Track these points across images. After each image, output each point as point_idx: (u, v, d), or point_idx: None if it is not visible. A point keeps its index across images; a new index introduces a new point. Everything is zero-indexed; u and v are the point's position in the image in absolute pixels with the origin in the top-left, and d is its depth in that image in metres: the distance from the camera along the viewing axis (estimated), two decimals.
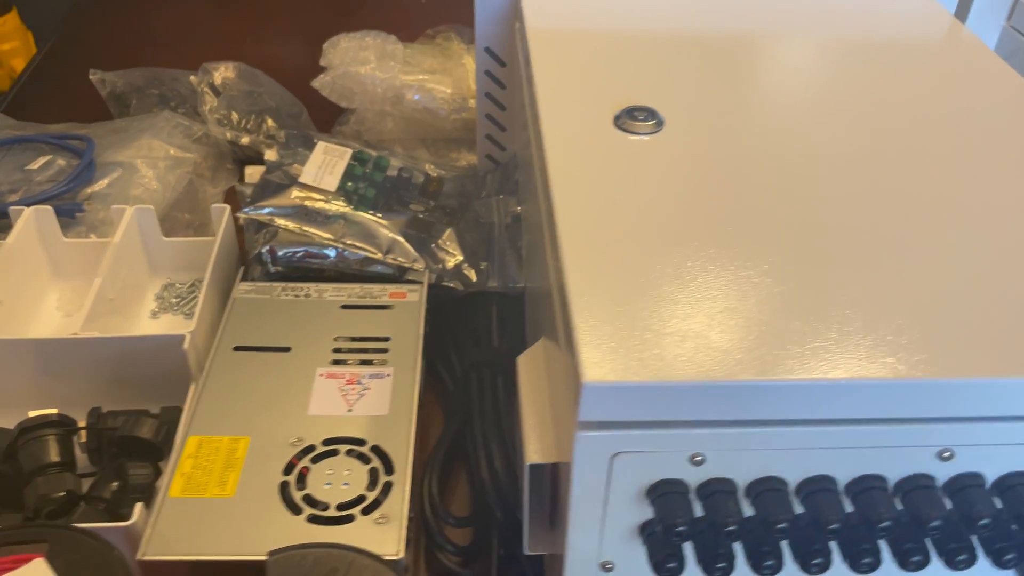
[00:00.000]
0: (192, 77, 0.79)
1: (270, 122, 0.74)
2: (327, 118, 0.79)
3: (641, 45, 0.50)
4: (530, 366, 0.40)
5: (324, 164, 0.57)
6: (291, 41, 0.97)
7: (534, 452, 0.36)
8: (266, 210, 0.53)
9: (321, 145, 0.59)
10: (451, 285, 0.55)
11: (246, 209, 0.53)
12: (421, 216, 0.57)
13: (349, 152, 0.60)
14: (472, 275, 0.56)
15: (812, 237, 0.36)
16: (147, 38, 0.98)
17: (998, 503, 0.31)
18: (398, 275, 0.55)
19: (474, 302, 0.56)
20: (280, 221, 0.53)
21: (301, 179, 0.55)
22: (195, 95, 0.77)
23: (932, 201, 0.38)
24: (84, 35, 1.00)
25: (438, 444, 0.49)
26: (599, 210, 0.36)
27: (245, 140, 0.72)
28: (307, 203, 0.54)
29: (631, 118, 0.41)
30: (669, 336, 0.30)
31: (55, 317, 0.58)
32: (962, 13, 0.67)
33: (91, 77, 0.79)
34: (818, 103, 0.45)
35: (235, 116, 0.72)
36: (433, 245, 0.56)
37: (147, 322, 0.58)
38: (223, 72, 0.79)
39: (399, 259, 0.54)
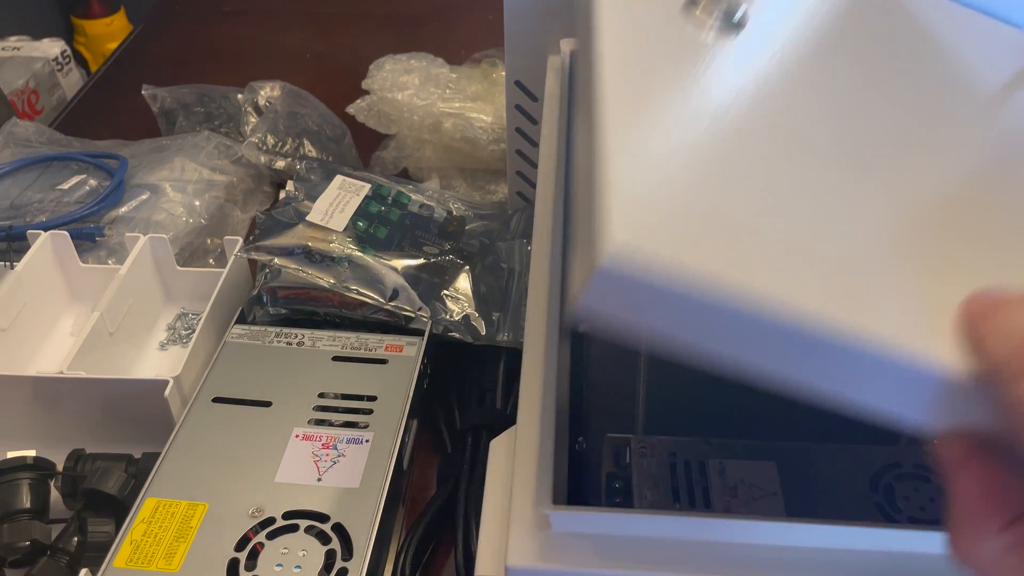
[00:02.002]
0: (239, 95, 0.78)
1: (308, 145, 0.72)
2: (372, 142, 0.76)
3: None
4: (503, 453, 0.36)
5: (337, 200, 0.55)
6: (349, 60, 0.96)
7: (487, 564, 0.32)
8: (267, 249, 0.51)
9: (338, 180, 0.56)
10: (457, 337, 0.51)
11: (246, 247, 0.51)
12: (434, 260, 0.54)
13: (367, 188, 0.56)
14: (481, 327, 0.52)
15: None
16: (212, 54, 0.99)
17: None
18: (403, 323, 0.51)
19: (484, 356, 0.52)
20: (280, 261, 0.50)
21: (309, 217, 0.53)
22: (241, 114, 0.76)
23: None
24: (148, 49, 1.01)
25: (423, 513, 0.45)
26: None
27: (280, 164, 0.70)
28: (311, 243, 0.51)
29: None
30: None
31: (67, 343, 0.57)
32: None
33: (143, 92, 0.79)
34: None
35: (271, 139, 0.70)
36: (443, 292, 0.52)
37: (154, 354, 0.56)
38: (268, 91, 0.77)
39: (403, 307, 0.51)
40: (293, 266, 0.50)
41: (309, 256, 0.51)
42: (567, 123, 0.48)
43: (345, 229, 0.53)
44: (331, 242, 0.52)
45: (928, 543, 0.27)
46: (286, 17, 1.04)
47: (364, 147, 0.76)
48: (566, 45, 0.53)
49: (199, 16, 1.06)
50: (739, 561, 0.26)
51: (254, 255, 0.51)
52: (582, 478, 0.44)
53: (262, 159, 0.69)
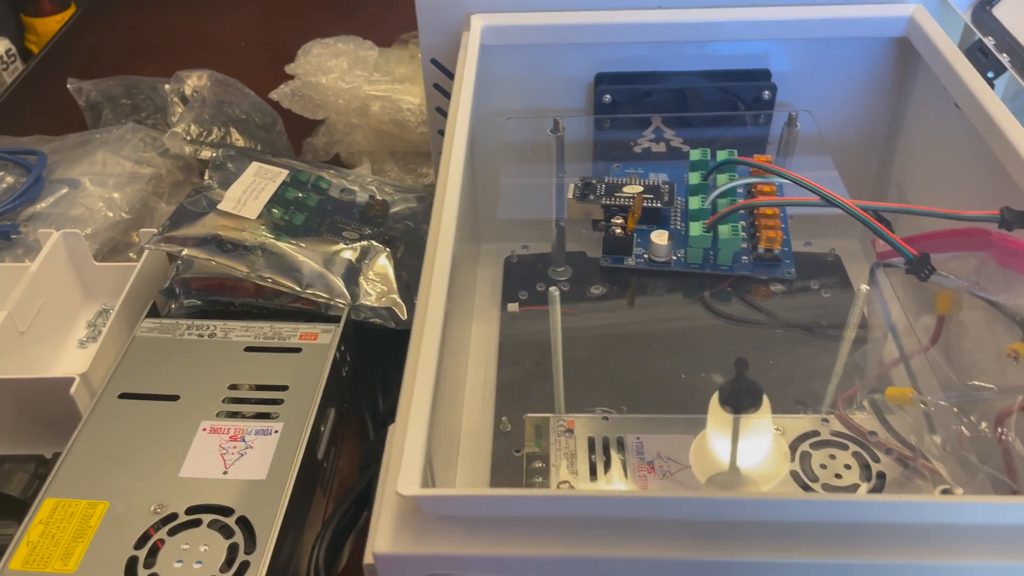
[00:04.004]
0: (166, 86, 0.76)
1: (235, 134, 0.70)
2: (304, 129, 0.75)
3: None
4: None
5: (251, 188, 0.53)
6: (284, 46, 0.94)
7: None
8: (176, 240, 0.50)
9: (253, 167, 0.55)
10: (378, 322, 0.50)
11: (154, 239, 0.50)
12: (354, 244, 0.53)
13: (284, 174, 0.55)
14: (402, 311, 0.51)
15: None
16: (146, 45, 0.96)
17: None
18: (323, 310, 0.50)
19: (408, 341, 0.51)
20: (189, 252, 0.49)
21: (220, 206, 0.51)
22: (168, 105, 0.74)
23: None
24: (80, 43, 0.98)
25: (340, 502, 0.44)
26: None
27: (206, 154, 0.68)
28: (222, 232, 0.50)
29: None
30: None
31: None
32: None
33: (68, 87, 0.77)
34: None
35: (195, 128, 0.69)
36: (363, 277, 0.51)
37: (72, 352, 0.55)
38: (195, 81, 0.76)
39: (320, 294, 0.50)
40: (203, 256, 0.49)
41: (220, 245, 0.49)
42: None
43: (259, 217, 0.52)
44: (244, 231, 0.50)
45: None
46: (221, 4, 1.02)
47: (297, 134, 0.75)
48: (476, 21, 0.52)
49: (133, 7, 1.04)
50: (607, 537, 0.26)
51: (163, 246, 0.49)
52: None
53: (186, 149, 0.68)
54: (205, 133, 0.69)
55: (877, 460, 0.42)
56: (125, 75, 0.79)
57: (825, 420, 0.43)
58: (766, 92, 0.52)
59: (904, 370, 0.45)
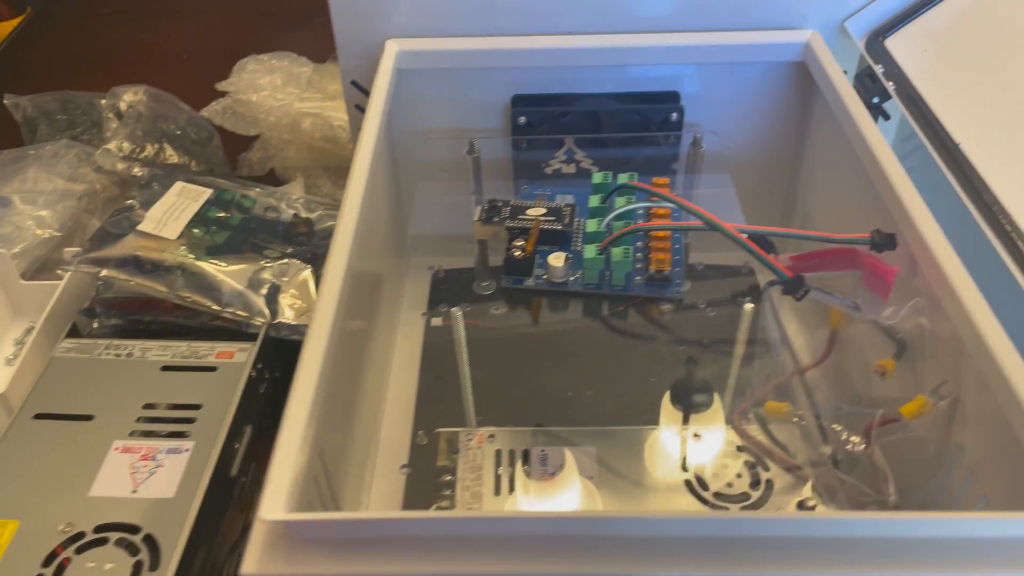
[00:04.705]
0: (103, 101, 0.77)
1: (169, 150, 0.71)
2: (241, 144, 0.76)
3: None
4: None
5: (173, 208, 0.54)
6: (227, 61, 0.95)
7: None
8: (95, 260, 0.50)
9: (177, 186, 0.56)
10: (298, 339, 0.52)
11: (75, 260, 0.51)
12: (275, 262, 0.54)
13: (207, 193, 0.56)
14: None
15: None
16: (88, 57, 0.97)
17: None
18: (243, 329, 0.51)
19: None
20: (108, 272, 0.50)
21: (140, 226, 0.52)
22: (103, 121, 0.75)
23: None
24: (23, 55, 0.98)
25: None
26: None
27: (139, 171, 0.69)
28: (140, 252, 0.51)
29: None
30: None
31: None
32: None
33: (5, 102, 0.78)
34: None
35: (127, 145, 0.69)
36: (283, 295, 0.53)
37: (1, 370, 0.56)
38: (131, 96, 0.76)
39: (239, 313, 0.51)
40: (123, 277, 0.50)
41: (139, 266, 0.50)
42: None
43: (180, 236, 0.53)
44: (163, 251, 0.52)
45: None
46: (165, 16, 1.03)
47: (234, 149, 0.76)
48: (391, 46, 0.53)
49: (78, 18, 1.04)
50: (476, 555, 0.27)
51: (83, 268, 0.50)
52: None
53: (119, 166, 0.68)
54: (138, 149, 0.70)
55: (767, 469, 0.44)
56: (63, 90, 0.79)
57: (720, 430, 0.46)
58: (674, 114, 0.54)
59: (797, 384, 0.47)
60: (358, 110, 0.58)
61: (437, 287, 0.58)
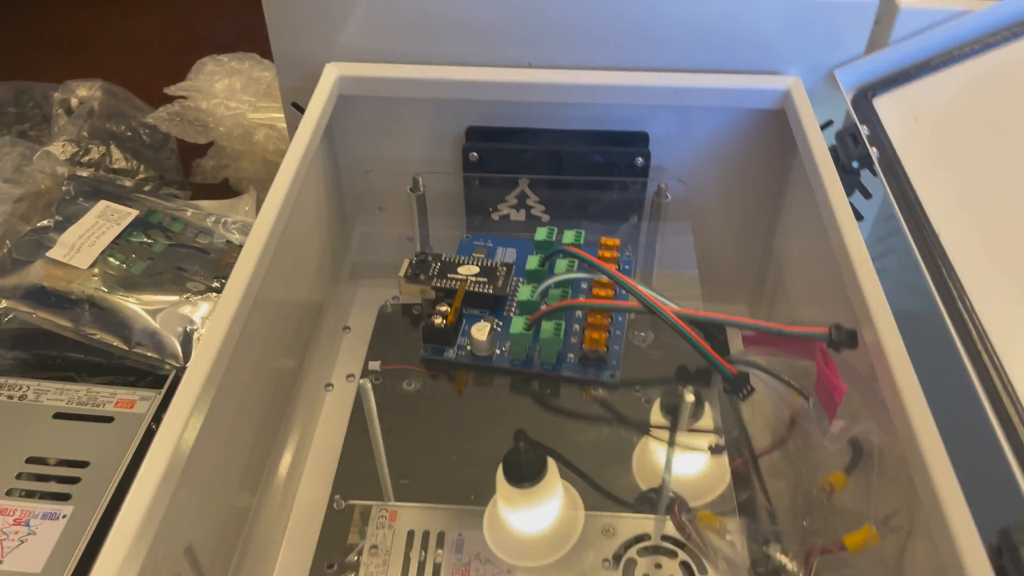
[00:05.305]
0: (56, 94, 0.73)
1: (116, 153, 0.67)
2: (199, 149, 0.71)
3: None
4: None
5: (91, 232, 0.50)
6: (200, 52, 0.90)
7: None
8: None
9: (100, 206, 0.52)
10: None
11: None
12: (197, 297, 0.50)
13: (132, 215, 0.52)
14: None
15: None
16: (56, 41, 0.92)
17: None
18: (156, 371, 0.48)
19: None
20: (8, 304, 0.46)
21: (50, 253, 0.48)
22: (52, 117, 0.71)
23: None
24: None
25: None
26: None
27: (84, 174, 0.65)
28: (46, 283, 0.47)
29: None
30: None
31: None
32: None
33: None
34: None
35: (69, 148, 0.65)
36: (200, 334, 0.49)
37: None
38: (85, 91, 0.72)
39: (148, 354, 0.47)
40: (24, 309, 0.46)
41: (44, 297, 0.47)
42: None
43: (93, 265, 0.49)
44: (72, 281, 0.48)
45: None
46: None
47: (190, 154, 0.72)
48: (331, 70, 0.49)
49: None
50: None
51: None
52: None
53: (59, 170, 0.64)
54: (81, 152, 0.66)
55: (704, 572, 0.40)
56: (18, 80, 0.75)
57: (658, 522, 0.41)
58: (639, 159, 0.50)
59: (740, 481, 0.43)
60: None
61: (383, 323, 0.54)
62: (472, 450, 0.44)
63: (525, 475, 0.34)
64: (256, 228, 0.39)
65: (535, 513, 0.38)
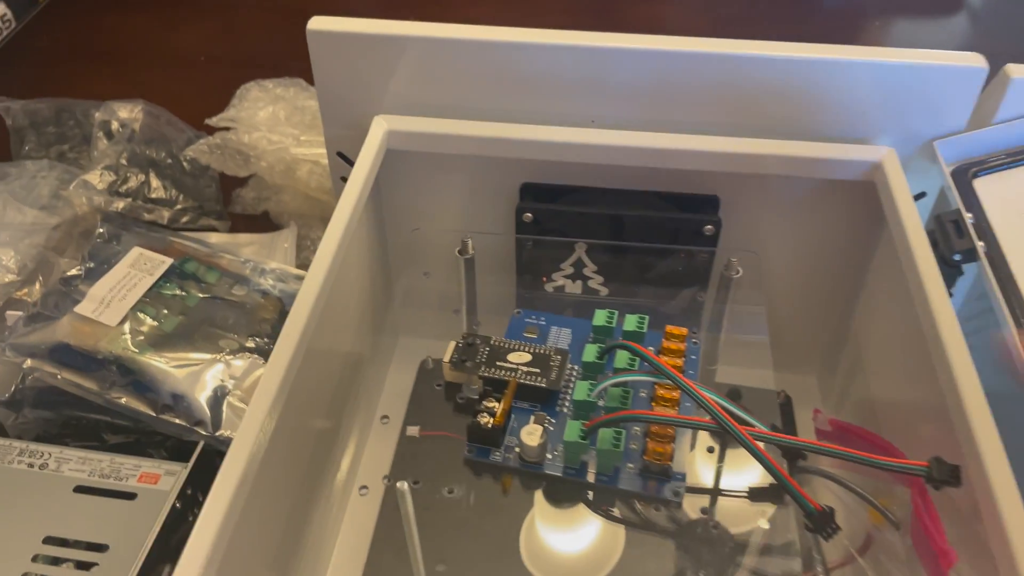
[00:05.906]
0: (97, 113, 0.70)
1: (155, 182, 0.65)
2: (241, 178, 0.69)
3: None
4: None
5: (122, 283, 0.48)
6: (246, 66, 0.87)
7: None
8: (19, 348, 0.44)
9: (133, 253, 0.49)
10: None
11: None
12: (230, 358, 0.47)
13: (167, 264, 0.50)
14: None
15: None
16: (98, 53, 0.89)
17: None
18: (185, 436, 0.45)
19: None
20: (34, 363, 0.44)
21: (78, 308, 0.46)
22: (92, 140, 0.69)
23: None
24: (31, 45, 0.92)
25: None
26: None
27: (120, 205, 0.63)
28: (72, 341, 0.44)
29: None
30: None
31: None
32: None
33: None
34: None
35: (107, 176, 0.63)
36: (231, 398, 0.46)
37: None
38: (126, 113, 0.70)
39: (176, 420, 0.44)
40: (50, 369, 0.44)
41: (69, 357, 0.44)
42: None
43: (123, 321, 0.46)
44: (100, 340, 0.45)
45: None
46: (186, 8, 0.95)
47: (231, 182, 0.69)
48: (380, 123, 0.45)
49: (96, 5, 0.97)
50: None
51: (8, 355, 0.44)
52: None
53: (96, 199, 0.62)
54: (120, 182, 0.63)
55: None
56: (59, 97, 0.73)
57: None
58: (709, 227, 0.46)
59: None
60: (344, 182, 0.50)
61: (423, 382, 0.50)
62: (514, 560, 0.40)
63: None
64: (303, 293, 0.36)
65: None
